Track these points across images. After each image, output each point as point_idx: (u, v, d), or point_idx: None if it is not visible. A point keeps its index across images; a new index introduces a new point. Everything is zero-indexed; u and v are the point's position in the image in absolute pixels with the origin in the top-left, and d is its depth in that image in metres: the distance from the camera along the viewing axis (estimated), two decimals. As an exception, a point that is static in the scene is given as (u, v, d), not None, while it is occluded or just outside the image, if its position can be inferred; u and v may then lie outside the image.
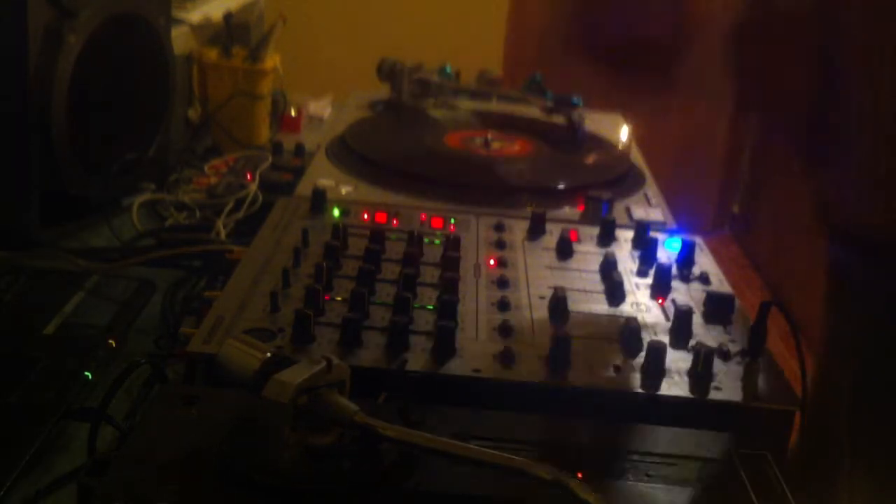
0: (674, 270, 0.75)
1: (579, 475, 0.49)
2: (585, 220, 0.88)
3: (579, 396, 0.59)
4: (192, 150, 1.21)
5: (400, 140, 1.11)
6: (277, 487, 0.44)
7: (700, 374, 0.60)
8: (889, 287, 0.67)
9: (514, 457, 0.44)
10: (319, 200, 0.85)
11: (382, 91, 1.25)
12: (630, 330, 0.64)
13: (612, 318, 0.68)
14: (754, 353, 0.63)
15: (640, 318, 0.67)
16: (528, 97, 1.25)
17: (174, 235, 0.95)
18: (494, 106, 1.27)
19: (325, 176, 0.95)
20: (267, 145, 1.20)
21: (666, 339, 0.65)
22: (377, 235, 0.76)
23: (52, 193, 0.93)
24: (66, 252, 0.90)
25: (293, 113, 1.32)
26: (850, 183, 0.66)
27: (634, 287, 0.73)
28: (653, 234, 0.82)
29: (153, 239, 0.96)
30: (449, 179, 0.94)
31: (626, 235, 0.83)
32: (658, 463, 0.51)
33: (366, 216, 0.84)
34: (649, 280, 0.74)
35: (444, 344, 0.61)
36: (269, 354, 0.48)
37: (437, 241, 0.79)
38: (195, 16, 1.26)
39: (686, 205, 0.89)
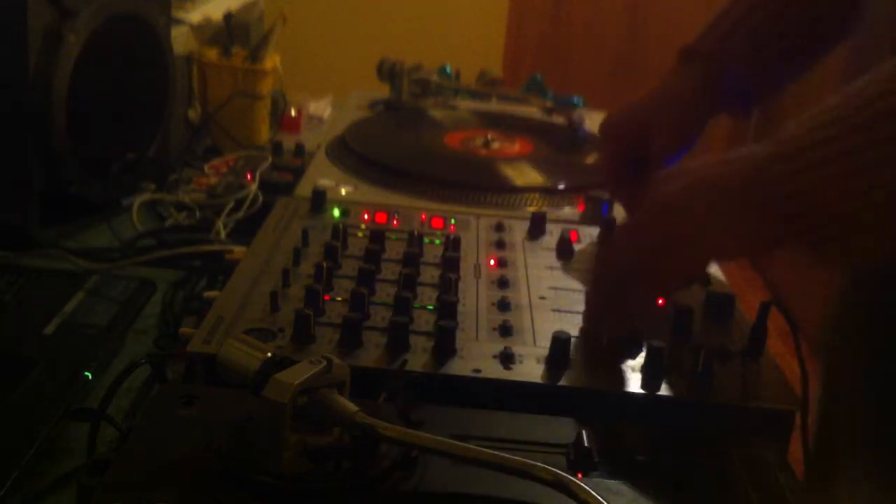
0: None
1: (579, 475, 0.49)
2: (585, 220, 0.88)
3: (579, 396, 0.59)
4: (192, 150, 1.21)
5: (400, 140, 1.11)
6: (277, 487, 0.44)
7: (700, 374, 0.60)
8: None
9: (514, 457, 0.44)
10: (319, 200, 0.85)
11: (382, 91, 1.25)
12: (630, 330, 0.64)
13: (612, 318, 0.68)
14: (754, 353, 0.63)
15: (639, 318, 0.67)
16: (528, 97, 1.25)
17: (174, 235, 0.95)
18: (494, 106, 1.27)
19: (325, 176, 0.95)
20: (267, 145, 1.20)
21: (666, 339, 0.65)
22: (377, 235, 0.76)
23: (52, 193, 0.93)
24: (66, 252, 0.91)
25: (293, 113, 1.32)
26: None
27: (634, 287, 0.73)
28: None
29: (153, 239, 0.96)
30: (449, 179, 0.94)
31: (626, 235, 0.83)
32: (658, 463, 0.51)
33: (366, 216, 0.84)
34: (649, 280, 0.74)
35: (444, 344, 0.61)
36: (269, 354, 0.48)
37: (437, 241, 0.79)
38: (195, 16, 1.26)
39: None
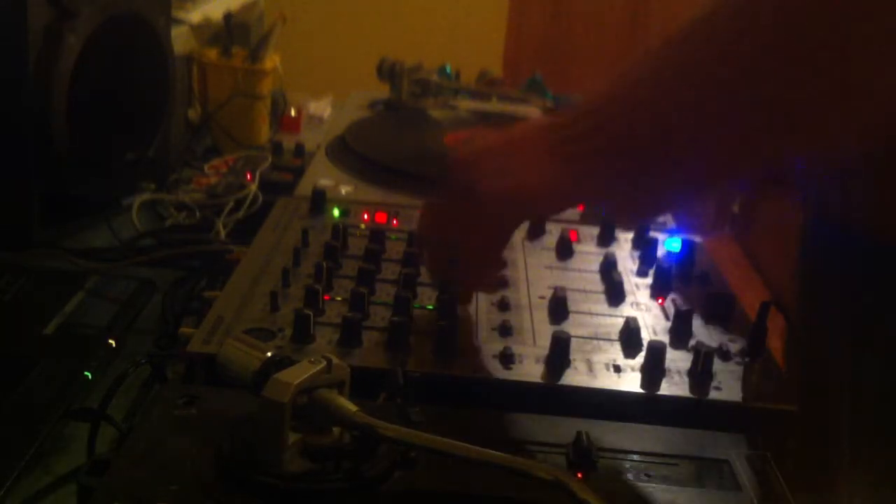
0: (674, 270, 0.75)
1: (579, 475, 0.49)
2: (585, 220, 0.88)
3: (579, 396, 0.59)
4: (192, 150, 1.21)
5: (400, 140, 1.11)
6: (277, 487, 0.44)
7: (700, 374, 0.60)
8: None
9: (514, 457, 0.44)
10: (319, 200, 0.85)
11: (382, 91, 1.25)
12: (630, 330, 0.64)
13: (612, 318, 0.68)
14: (754, 353, 0.63)
15: (640, 318, 0.67)
16: (528, 97, 1.25)
17: (174, 235, 0.95)
18: (494, 106, 1.27)
19: (325, 176, 0.95)
20: (267, 145, 1.20)
21: (666, 339, 0.65)
22: (377, 235, 0.76)
23: (52, 193, 0.93)
24: (66, 252, 0.91)
25: (293, 113, 1.32)
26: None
27: (634, 287, 0.73)
28: (653, 234, 0.82)
29: (153, 239, 0.96)
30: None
31: (626, 235, 0.83)
32: (658, 463, 0.51)
33: (366, 216, 0.84)
34: (649, 280, 0.74)
35: (444, 344, 0.61)
36: (269, 354, 0.48)
37: (437, 241, 0.79)
38: (195, 16, 1.26)
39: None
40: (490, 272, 0.67)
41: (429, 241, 0.67)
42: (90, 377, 0.68)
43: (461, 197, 0.61)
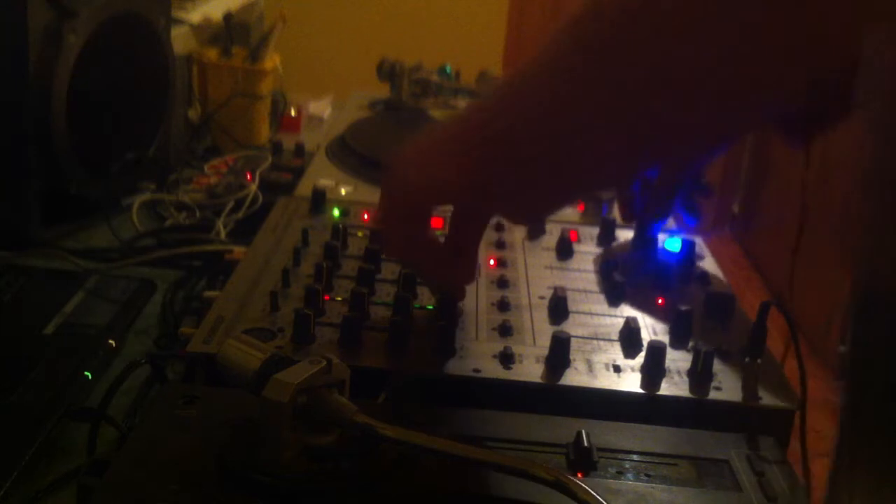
0: (674, 270, 0.75)
1: (579, 475, 0.49)
2: (585, 220, 0.88)
3: (579, 396, 0.59)
4: (192, 150, 1.21)
5: (400, 140, 1.10)
6: (277, 487, 0.44)
7: (700, 374, 0.60)
8: None
9: (514, 457, 0.44)
10: (319, 200, 0.85)
11: (382, 91, 1.25)
12: (630, 330, 0.64)
13: (612, 318, 0.68)
14: (754, 353, 0.63)
15: (640, 318, 0.67)
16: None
17: (174, 235, 0.95)
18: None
19: (325, 176, 0.95)
20: (267, 145, 1.20)
21: (666, 339, 0.65)
22: (377, 235, 0.76)
23: (52, 193, 0.93)
24: (66, 252, 0.91)
25: (293, 113, 1.32)
26: None
27: (635, 287, 0.73)
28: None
29: (153, 239, 0.96)
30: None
31: (626, 235, 0.83)
32: (658, 463, 0.51)
33: (366, 216, 0.84)
34: (649, 281, 0.74)
35: (444, 344, 0.61)
36: (269, 354, 0.48)
37: (437, 241, 0.79)
38: (195, 16, 1.26)
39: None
40: (436, 269, 0.65)
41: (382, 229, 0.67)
42: (90, 377, 0.69)
43: (385, 186, 0.63)
